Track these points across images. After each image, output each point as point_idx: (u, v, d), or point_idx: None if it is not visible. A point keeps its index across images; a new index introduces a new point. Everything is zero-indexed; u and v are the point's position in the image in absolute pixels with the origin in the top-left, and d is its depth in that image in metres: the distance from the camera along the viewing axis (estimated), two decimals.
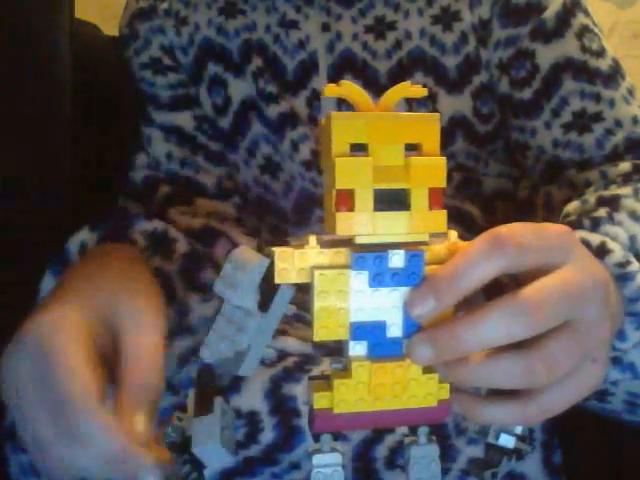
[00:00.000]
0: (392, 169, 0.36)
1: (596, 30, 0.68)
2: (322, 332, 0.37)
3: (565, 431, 0.63)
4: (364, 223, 0.36)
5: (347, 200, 0.36)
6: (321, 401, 0.38)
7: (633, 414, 0.56)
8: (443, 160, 0.37)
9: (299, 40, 0.70)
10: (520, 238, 0.36)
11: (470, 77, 0.69)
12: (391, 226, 0.36)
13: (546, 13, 0.67)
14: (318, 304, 0.37)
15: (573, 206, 0.56)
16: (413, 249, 0.37)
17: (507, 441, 0.41)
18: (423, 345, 0.36)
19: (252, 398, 0.60)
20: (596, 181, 0.61)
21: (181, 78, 0.75)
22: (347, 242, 0.37)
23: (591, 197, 0.55)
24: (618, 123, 0.65)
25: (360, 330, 0.37)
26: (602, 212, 0.51)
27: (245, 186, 0.75)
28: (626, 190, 0.55)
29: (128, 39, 0.76)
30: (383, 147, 0.36)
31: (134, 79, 0.76)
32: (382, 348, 0.38)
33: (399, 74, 0.69)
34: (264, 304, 0.38)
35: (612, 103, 0.65)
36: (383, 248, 0.37)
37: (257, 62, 0.72)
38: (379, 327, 0.37)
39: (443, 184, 0.37)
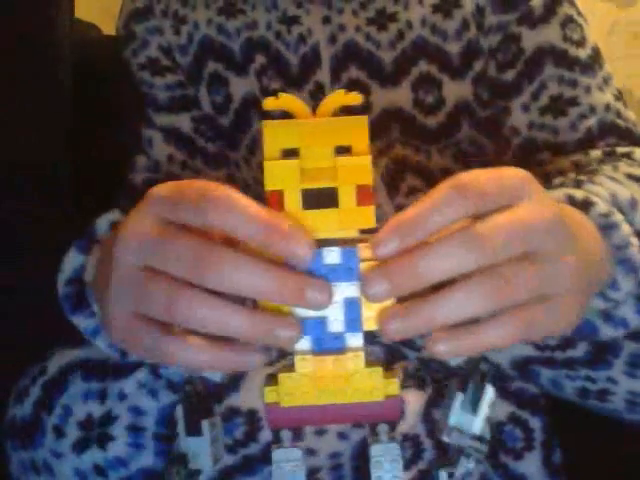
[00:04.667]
0: (320, 170, 0.39)
1: (580, 20, 0.71)
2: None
3: (565, 431, 0.63)
4: (294, 221, 0.38)
5: (277, 201, 0.38)
6: (270, 395, 0.39)
7: (634, 413, 0.57)
8: (368, 158, 0.39)
9: (300, 34, 0.71)
10: (482, 184, 0.37)
11: (471, 63, 0.71)
12: (321, 223, 0.38)
13: (534, 1, 0.69)
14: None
15: (556, 181, 0.57)
16: (346, 245, 0.39)
17: (458, 439, 0.41)
18: (378, 279, 0.36)
19: (251, 396, 0.60)
20: (569, 171, 0.63)
21: (179, 79, 0.75)
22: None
23: (570, 174, 0.57)
24: (592, 109, 0.67)
25: (303, 325, 0.38)
26: (583, 177, 0.53)
27: (245, 186, 0.75)
28: (604, 166, 0.58)
29: (126, 40, 0.76)
30: (313, 150, 0.39)
31: (133, 80, 0.76)
32: (325, 342, 0.39)
33: (404, 63, 0.70)
34: None
35: (588, 90, 0.68)
36: (318, 245, 0.38)
37: (260, 60, 0.72)
38: (321, 322, 0.39)
39: (369, 181, 0.39)
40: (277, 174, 0.38)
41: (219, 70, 0.73)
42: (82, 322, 0.50)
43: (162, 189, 0.40)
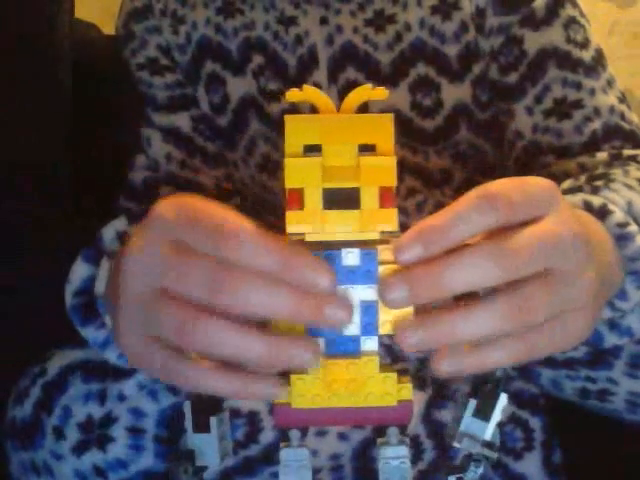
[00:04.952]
0: (343, 169, 0.37)
1: (582, 21, 0.70)
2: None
3: (565, 431, 0.63)
4: (313, 221, 0.37)
5: (297, 199, 0.37)
6: None
7: (634, 413, 0.57)
8: (393, 159, 0.37)
9: (297, 35, 0.71)
10: (510, 195, 0.36)
11: (470, 66, 0.70)
12: (341, 224, 0.37)
13: (536, 2, 0.69)
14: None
15: (567, 184, 0.56)
16: (367, 247, 0.37)
17: (469, 445, 0.41)
18: (399, 285, 0.35)
19: None
20: (575, 173, 0.62)
21: (178, 78, 0.75)
22: (300, 242, 0.37)
23: (581, 177, 0.57)
24: (596, 111, 0.67)
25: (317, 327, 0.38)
26: (598, 182, 0.52)
27: (243, 185, 0.75)
28: (614, 170, 0.57)
29: (125, 40, 0.76)
30: (336, 148, 0.37)
31: (133, 80, 0.76)
32: (339, 345, 0.38)
33: (401, 65, 0.70)
34: None
35: (592, 92, 0.67)
36: (337, 246, 0.37)
37: (257, 60, 0.72)
38: None
39: (393, 183, 0.37)
40: (298, 172, 0.37)
41: (217, 70, 0.73)
42: (92, 334, 0.50)
43: (168, 211, 0.38)
